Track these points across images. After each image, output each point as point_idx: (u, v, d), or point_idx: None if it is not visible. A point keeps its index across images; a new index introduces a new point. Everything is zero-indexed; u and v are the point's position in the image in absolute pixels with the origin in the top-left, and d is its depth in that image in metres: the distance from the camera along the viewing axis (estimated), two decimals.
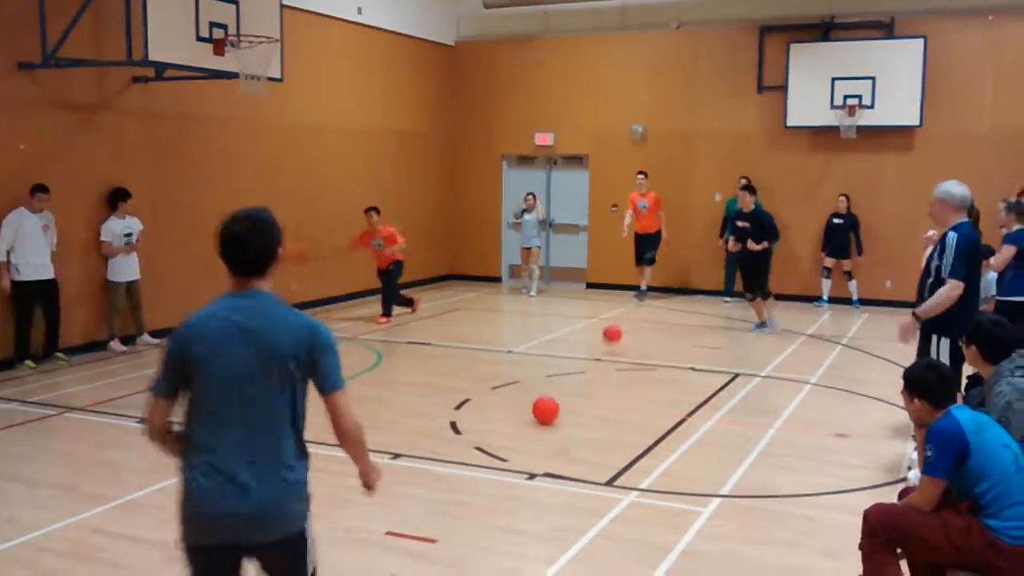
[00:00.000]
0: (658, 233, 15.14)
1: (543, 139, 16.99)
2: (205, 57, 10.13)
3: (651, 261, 15.23)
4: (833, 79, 14.48)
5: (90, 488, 6.25)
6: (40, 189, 9.78)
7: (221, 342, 3.05)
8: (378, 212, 13.28)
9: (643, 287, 15.42)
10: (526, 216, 15.76)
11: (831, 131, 14.66)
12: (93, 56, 10.20)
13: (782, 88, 14.92)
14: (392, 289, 13.37)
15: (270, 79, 10.81)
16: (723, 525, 5.60)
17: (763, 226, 12.07)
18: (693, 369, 10.01)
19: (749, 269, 12.42)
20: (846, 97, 14.42)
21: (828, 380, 9.55)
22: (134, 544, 5.30)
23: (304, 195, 13.88)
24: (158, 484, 6.24)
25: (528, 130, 17.09)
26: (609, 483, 6.33)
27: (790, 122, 14.92)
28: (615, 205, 16.42)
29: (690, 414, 8.13)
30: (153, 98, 11.32)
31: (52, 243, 9.98)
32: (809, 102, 14.67)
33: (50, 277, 9.95)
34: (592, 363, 10.49)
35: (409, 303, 13.75)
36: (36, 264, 9.80)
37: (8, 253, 9.65)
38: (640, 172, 15.28)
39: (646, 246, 15.19)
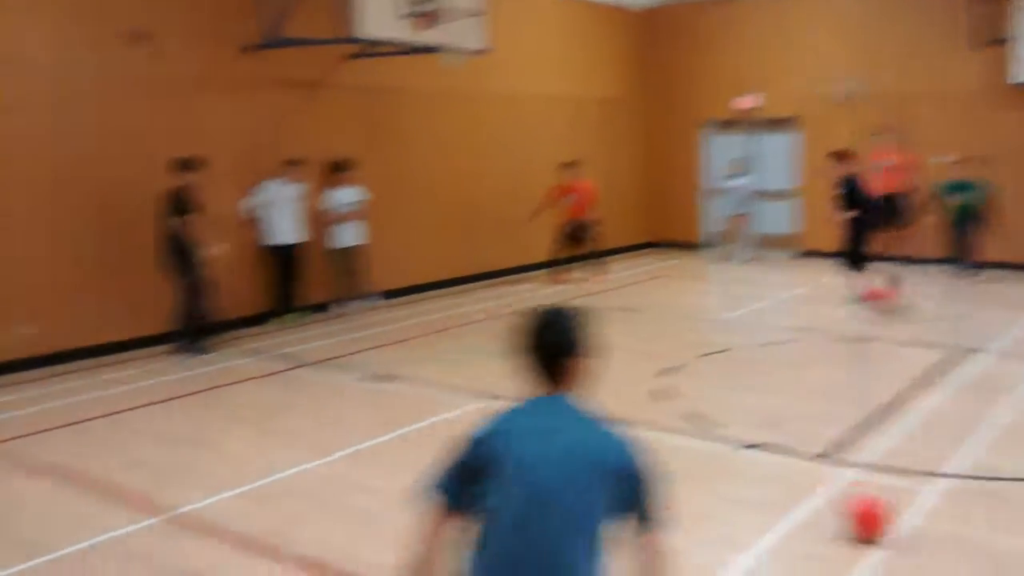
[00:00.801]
0: (904, 195, 13.84)
1: (745, 102, 16.46)
2: (413, 32, 10.49)
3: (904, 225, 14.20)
4: None
5: (322, 438, 6.73)
6: (292, 162, 10.69)
7: (523, 446, 2.59)
8: (575, 166, 13.66)
9: None
10: (734, 182, 15.41)
11: None
12: (309, 35, 10.80)
13: (1005, 41, 13.72)
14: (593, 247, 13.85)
15: (474, 51, 11.08)
16: (948, 507, 5.33)
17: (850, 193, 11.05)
18: (916, 342, 9.51)
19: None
20: None
21: None
22: (366, 491, 5.69)
23: (507, 163, 14.20)
24: (384, 436, 6.68)
25: (730, 93, 16.61)
26: (824, 456, 6.16)
27: (1015, 78, 13.73)
28: (823, 169, 15.73)
29: (913, 388, 7.74)
30: (365, 73, 11.86)
31: (300, 211, 10.83)
32: None
33: (298, 242, 10.85)
34: (805, 332, 10.15)
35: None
36: (289, 230, 10.69)
37: (258, 216, 10.60)
38: (879, 131, 14.12)
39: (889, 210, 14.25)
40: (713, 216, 17.18)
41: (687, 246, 17.43)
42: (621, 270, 15.03)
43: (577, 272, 13.85)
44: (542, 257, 14.55)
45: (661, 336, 10.08)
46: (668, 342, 9.76)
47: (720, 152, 16.94)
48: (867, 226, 11.13)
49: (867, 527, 4.86)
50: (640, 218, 17.57)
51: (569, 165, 13.66)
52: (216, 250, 9.41)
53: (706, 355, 9.12)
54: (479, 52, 11.35)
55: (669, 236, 17.70)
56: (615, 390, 7.79)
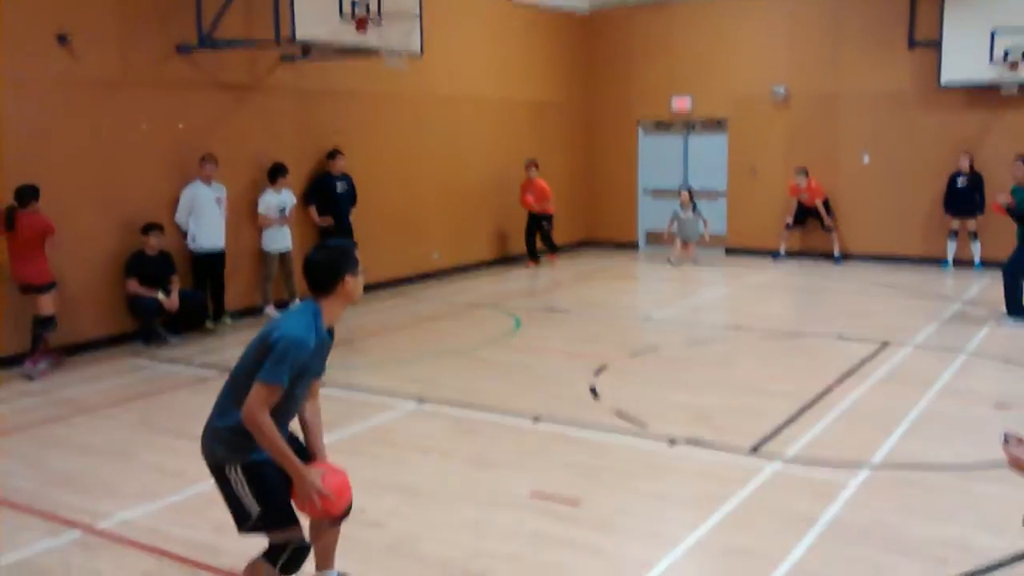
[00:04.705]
0: (824, 202, 15.14)
1: (680, 104, 16.70)
2: (348, 34, 10.40)
3: (829, 230, 15.10)
4: (993, 32, 13.57)
5: None
6: (206, 159, 10.34)
7: None
8: (534, 165, 14.84)
9: (782, 251, 15.44)
10: (683, 215, 15.47)
11: (990, 88, 13.84)
12: (244, 37, 10.65)
13: (935, 43, 14.14)
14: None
15: (410, 53, 11.03)
16: (873, 496, 5.46)
17: None
18: (840, 337, 9.72)
19: None
20: (1007, 51, 13.52)
21: (986, 349, 9.10)
22: None
23: (444, 165, 14.19)
24: None
25: (665, 95, 16.83)
26: (753, 451, 6.26)
27: (944, 79, 14.13)
28: (755, 170, 16.08)
29: (837, 383, 7.91)
30: (300, 76, 11.74)
31: (224, 215, 10.57)
32: (966, 57, 13.80)
33: (221, 247, 10.60)
34: (733, 331, 10.33)
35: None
36: (210, 235, 10.44)
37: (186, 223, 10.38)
38: (800, 169, 15.01)
39: (809, 213, 15.24)
40: (646, 216, 17.40)
41: (623, 245, 17.58)
42: (557, 269, 15.09)
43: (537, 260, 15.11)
44: (484, 256, 14.76)
45: (591, 336, 10.14)
46: (598, 342, 9.82)
47: (655, 152, 17.19)
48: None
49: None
50: (578, 218, 17.65)
51: (530, 164, 14.73)
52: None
53: (636, 354, 9.20)
54: (416, 55, 11.30)
55: (605, 235, 17.83)
56: (546, 389, 7.87)
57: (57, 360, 9.05)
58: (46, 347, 8.96)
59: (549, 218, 15.13)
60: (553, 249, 15.41)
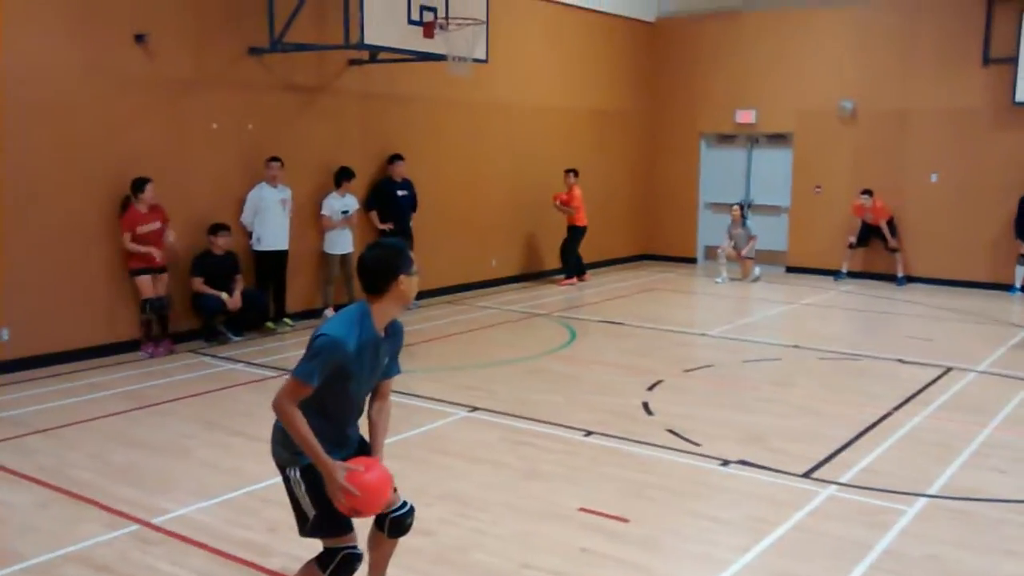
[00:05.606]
0: (889, 222, 14.81)
1: (744, 117, 16.53)
2: (415, 40, 10.53)
3: (893, 251, 14.83)
4: None
5: None
6: (272, 159, 10.55)
7: None
8: (573, 174, 14.56)
9: (844, 270, 15.24)
10: (734, 230, 15.29)
11: None
12: (314, 41, 10.83)
13: (1012, 60, 13.81)
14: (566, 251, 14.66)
15: (476, 60, 11.11)
16: (930, 527, 5.34)
17: None
18: (901, 361, 9.53)
19: None
20: None
21: None
22: None
23: (505, 172, 14.26)
24: None
25: (729, 108, 16.68)
26: (806, 475, 6.16)
27: (1020, 97, 13.78)
28: (819, 186, 15.85)
29: (896, 408, 7.75)
30: (367, 80, 11.90)
31: (288, 217, 10.76)
32: None
33: (285, 248, 10.78)
34: (791, 350, 10.18)
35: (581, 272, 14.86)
36: (274, 236, 10.62)
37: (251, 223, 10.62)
38: (865, 192, 14.72)
39: (873, 232, 14.95)
40: (706, 230, 17.25)
41: (682, 260, 17.45)
42: (613, 282, 15.05)
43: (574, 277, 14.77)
44: (540, 265, 14.79)
45: (646, 350, 10.08)
46: (652, 357, 9.76)
47: (717, 165, 17.05)
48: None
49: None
50: (637, 230, 17.59)
51: (568, 172, 14.48)
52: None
53: (690, 371, 9.13)
54: (481, 61, 11.39)
55: (664, 249, 17.72)
56: (598, 403, 7.84)
57: (167, 347, 9.67)
58: (146, 331, 9.62)
59: (578, 230, 14.57)
60: (570, 269, 14.68)
